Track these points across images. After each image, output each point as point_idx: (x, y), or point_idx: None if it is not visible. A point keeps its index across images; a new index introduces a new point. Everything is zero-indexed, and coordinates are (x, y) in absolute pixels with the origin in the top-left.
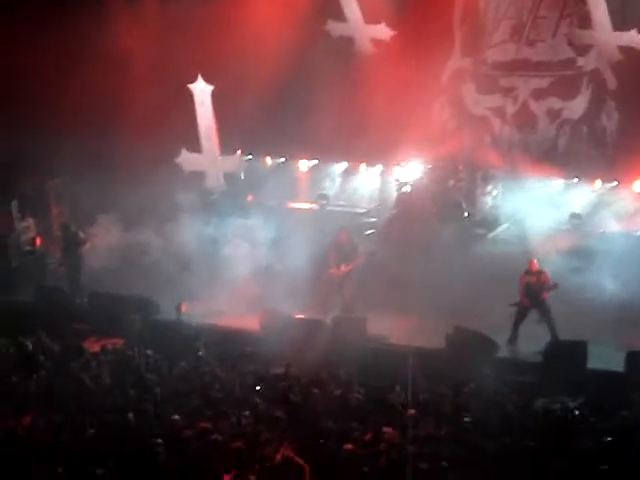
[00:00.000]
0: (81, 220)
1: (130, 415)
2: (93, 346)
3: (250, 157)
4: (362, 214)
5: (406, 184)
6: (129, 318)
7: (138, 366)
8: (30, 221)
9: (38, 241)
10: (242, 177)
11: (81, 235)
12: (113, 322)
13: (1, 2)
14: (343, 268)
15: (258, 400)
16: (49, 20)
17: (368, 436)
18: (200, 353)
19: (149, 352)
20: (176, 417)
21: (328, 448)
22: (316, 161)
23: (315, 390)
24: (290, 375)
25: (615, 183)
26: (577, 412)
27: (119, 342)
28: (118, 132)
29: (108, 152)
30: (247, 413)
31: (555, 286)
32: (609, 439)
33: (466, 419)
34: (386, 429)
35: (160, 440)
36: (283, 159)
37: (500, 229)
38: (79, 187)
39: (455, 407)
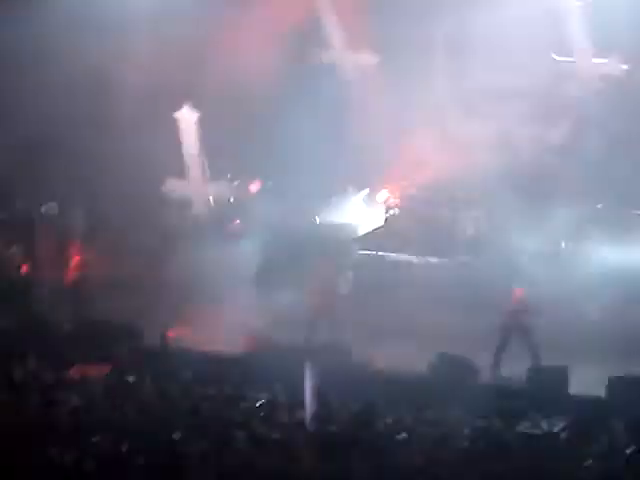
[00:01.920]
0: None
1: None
2: (79, 373)
3: (237, 183)
4: (351, 238)
5: (391, 208)
6: (115, 344)
7: (124, 392)
8: (16, 248)
9: (24, 267)
10: (230, 202)
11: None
12: (99, 348)
13: None
14: (326, 298)
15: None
16: None
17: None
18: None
19: (131, 378)
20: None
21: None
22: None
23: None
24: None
25: (600, 208)
26: (559, 437)
27: (105, 369)
28: (106, 158)
29: (97, 178)
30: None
31: (538, 313)
32: (589, 463)
33: (450, 445)
34: None
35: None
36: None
37: (485, 255)
38: (67, 213)
39: (440, 433)
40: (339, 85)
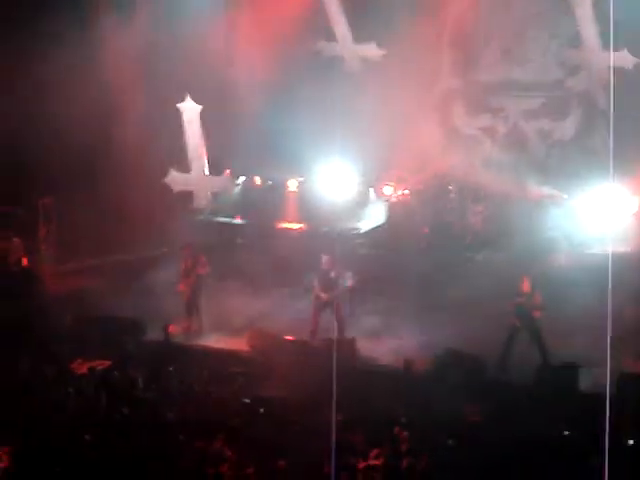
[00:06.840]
0: (70, 241)
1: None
2: (80, 368)
3: (242, 178)
4: (353, 234)
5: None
6: (117, 339)
7: (126, 386)
8: (16, 240)
9: (25, 261)
10: (231, 197)
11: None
12: (100, 343)
13: None
14: (330, 294)
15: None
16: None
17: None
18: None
19: (135, 373)
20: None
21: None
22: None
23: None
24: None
25: (607, 203)
26: (565, 434)
27: (106, 363)
28: (109, 152)
29: (99, 171)
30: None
31: (544, 307)
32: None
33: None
34: None
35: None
36: (272, 179)
37: (491, 250)
38: (69, 207)
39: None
40: (344, 79)
